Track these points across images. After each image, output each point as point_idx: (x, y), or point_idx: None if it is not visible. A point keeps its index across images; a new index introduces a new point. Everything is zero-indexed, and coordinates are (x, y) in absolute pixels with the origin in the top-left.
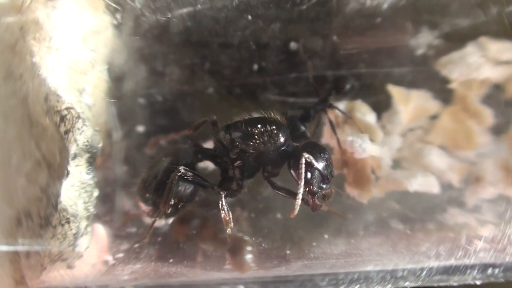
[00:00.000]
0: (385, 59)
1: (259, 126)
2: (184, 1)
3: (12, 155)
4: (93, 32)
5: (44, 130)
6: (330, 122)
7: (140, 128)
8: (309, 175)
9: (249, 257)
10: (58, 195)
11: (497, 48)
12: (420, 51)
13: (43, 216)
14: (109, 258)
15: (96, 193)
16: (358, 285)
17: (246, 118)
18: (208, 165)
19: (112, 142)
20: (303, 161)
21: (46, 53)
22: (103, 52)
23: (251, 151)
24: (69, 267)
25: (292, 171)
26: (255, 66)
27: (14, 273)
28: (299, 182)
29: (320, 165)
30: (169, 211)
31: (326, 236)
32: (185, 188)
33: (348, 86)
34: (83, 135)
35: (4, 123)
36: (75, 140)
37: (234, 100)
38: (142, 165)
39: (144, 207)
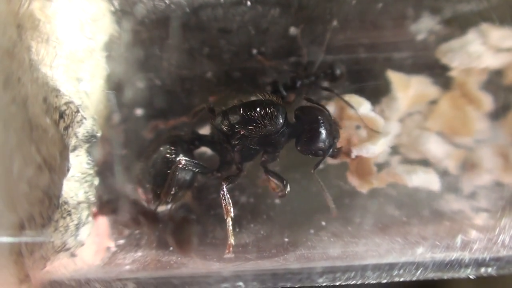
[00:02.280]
0: (385, 44)
1: (258, 109)
2: None
3: (13, 163)
4: (90, 20)
5: (44, 132)
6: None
7: (139, 111)
8: (320, 152)
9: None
10: (59, 194)
11: (498, 35)
12: (421, 36)
13: (45, 216)
14: (111, 244)
15: (96, 181)
16: (354, 281)
17: (243, 102)
18: (206, 150)
19: (111, 126)
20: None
21: (44, 48)
22: (101, 39)
23: (252, 134)
24: (72, 255)
25: (299, 148)
26: (254, 51)
27: (18, 273)
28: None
29: (322, 135)
30: (169, 200)
31: (323, 223)
32: (185, 176)
33: (338, 71)
34: (83, 127)
35: (4, 132)
36: (75, 134)
37: (233, 84)
38: (141, 148)
39: (143, 195)
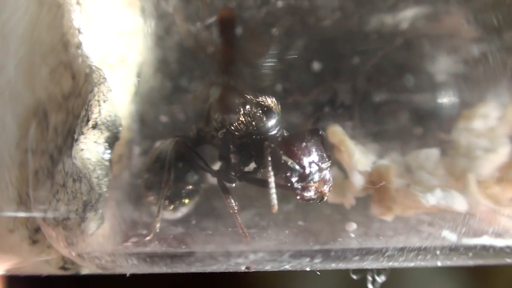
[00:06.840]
0: (406, 83)
1: (247, 107)
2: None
3: (42, 40)
4: (126, 33)
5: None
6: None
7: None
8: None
9: None
10: (77, 120)
11: None
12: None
13: (60, 132)
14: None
15: (110, 176)
16: None
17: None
18: None
19: (132, 156)
20: (267, 150)
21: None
22: (133, 55)
23: (232, 131)
24: (70, 243)
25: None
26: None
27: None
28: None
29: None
30: (170, 193)
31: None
32: (187, 171)
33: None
34: (108, 105)
35: (39, 7)
36: (99, 104)
37: None
38: None
39: (149, 195)
